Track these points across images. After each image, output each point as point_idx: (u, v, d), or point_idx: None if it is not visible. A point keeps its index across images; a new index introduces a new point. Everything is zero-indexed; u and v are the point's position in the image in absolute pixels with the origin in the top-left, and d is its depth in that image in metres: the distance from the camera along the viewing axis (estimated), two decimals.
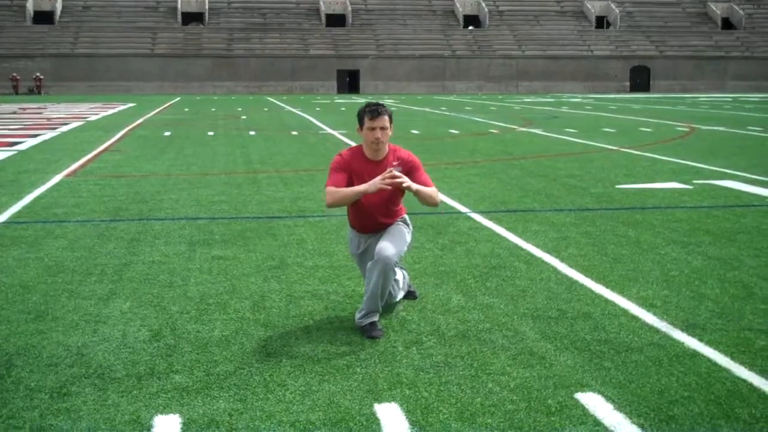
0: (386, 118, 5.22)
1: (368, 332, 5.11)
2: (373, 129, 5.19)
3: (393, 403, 4.08)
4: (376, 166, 5.27)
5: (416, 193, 5.19)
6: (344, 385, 4.32)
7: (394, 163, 5.26)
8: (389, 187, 5.08)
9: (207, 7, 70.10)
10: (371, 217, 5.40)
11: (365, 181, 5.19)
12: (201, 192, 11.20)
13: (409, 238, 5.47)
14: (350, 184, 5.25)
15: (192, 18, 70.31)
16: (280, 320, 5.44)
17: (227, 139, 20.26)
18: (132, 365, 4.61)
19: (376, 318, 5.21)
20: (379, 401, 4.11)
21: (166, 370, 4.54)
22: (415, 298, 5.92)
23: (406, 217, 5.59)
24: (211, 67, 65.32)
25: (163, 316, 5.53)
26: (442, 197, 10.53)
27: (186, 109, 36.96)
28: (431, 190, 5.30)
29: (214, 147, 18.16)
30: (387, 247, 5.16)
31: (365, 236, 5.51)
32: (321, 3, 71.51)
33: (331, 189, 5.21)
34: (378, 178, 5.09)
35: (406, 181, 5.11)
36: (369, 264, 5.20)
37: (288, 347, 4.91)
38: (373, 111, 5.21)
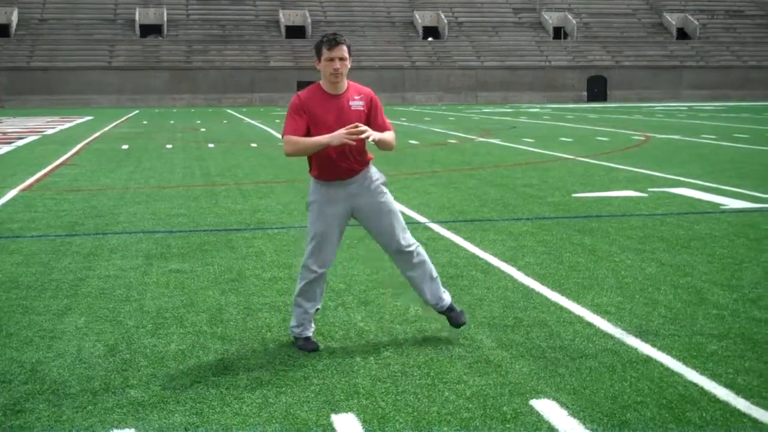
0: (345, 48, 4.92)
1: (456, 319, 5.27)
2: (331, 60, 4.88)
3: (350, 413, 4.10)
4: (336, 101, 4.97)
5: (378, 142, 4.96)
6: (301, 396, 4.33)
7: (356, 97, 5.02)
8: (353, 143, 4.85)
9: (165, 19, 69.69)
10: (337, 164, 4.99)
11: (326, 119, 4.92)
12: (158, 205, 11.13)
13: (394, 202, 5.24)
14: (308, 127, 4.94)
15: (150, 30, 69.83)
16: (238, 333, 5.43)
17: (186, 152, 20.15)
18: (87, 381, 4.58)
19: (449, 300, 5.32)
20: (336, 412, 4.12)
21: (122, 384, 4.52)
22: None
23: (374, 168, 5.21)
24: (169, 79, 64.92)
25: (119, 331, 5.49)
26: (401, 207, 10.59)
27: (144, 122, 36.69)
28: (391, 137, 5.08)
29: (172, 160, 18.05)
30: (400, 237, 5.11)
31: (335, 184, 5.05)
32: (281, 15, 71.46)
33: (290, 138, 4.88)
34: (342, 131, 4.80)
35: (372, 134, 4.88)
36: (401, 263, 5.20)
37: (245, 360, 4.90)
38: (330, 41, 4.90)
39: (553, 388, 4.39)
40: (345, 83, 5.03)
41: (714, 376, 4.53)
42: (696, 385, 4.42)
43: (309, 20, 71.03)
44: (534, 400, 4.23)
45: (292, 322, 5.21)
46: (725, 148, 19.81)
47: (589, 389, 4.37)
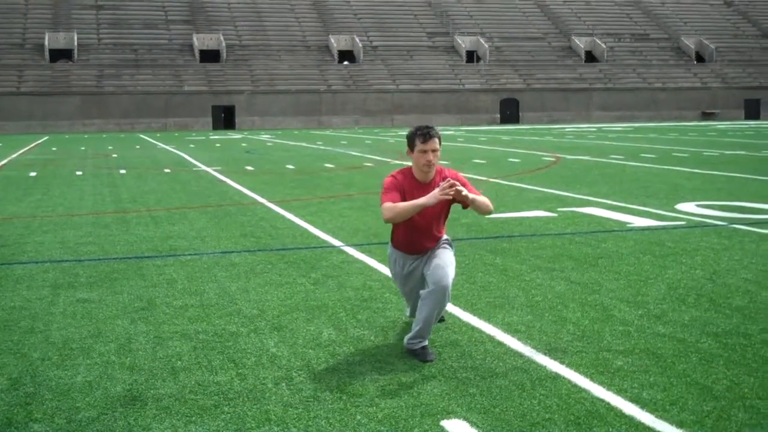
0: (437, 140, 5.34)
1: (422, 356, 5.25)
2: (424, 152, 5.31)
3: None
4: (425, 188, 5.38)
5: (473, 202, 5.28)
6: (211, 425, 4.27)
7: (441, 184, 5.32)
8: (450, 197, 5.15)
9: (76, 43, 68.35)
10: (421, 237, 5.49)
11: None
12: (67, 233, 10.87)
13: (454, 260, 5.57)
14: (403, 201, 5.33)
15: (60, 55, 68.38)
16: (147, 362, 5.33)
17: (96, 179, 19.76)
18: None
19: (426, 342, 5.34)
20: None
21: (25, 419, 4.38)
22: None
23: (448, 238, 5.68)
24: (80, 104, 63.60)
25: (23, 363, 5.33)
26: (315, 231, 10.59)
27: (54, 149, 35.84)
28: (485, 199, 5.41)
29: (82, 187, 17.67)
30: (445, 275, 5.30)
31: (411, 257, 5.57)
32: (195, 39, 70.82)
33: (389, 204, 5.27)
34: (437, 190, 5.17)
35: (464, 189, 5.19)
36: (423, 292, 5.31)
37: (154, 390, 4.81)
38: (424, 134, 5.31)
39: (464, 408, 4.43)
40: (434, 171, 5.43)
41: (620, 392, 4.64)
42: (602, 400, 4.52)
43: (223, 44, 70.58)
44: (445, 420, 4.26)
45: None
46: (632, 168, 20.37)
47: (498, 408, 4.42)
